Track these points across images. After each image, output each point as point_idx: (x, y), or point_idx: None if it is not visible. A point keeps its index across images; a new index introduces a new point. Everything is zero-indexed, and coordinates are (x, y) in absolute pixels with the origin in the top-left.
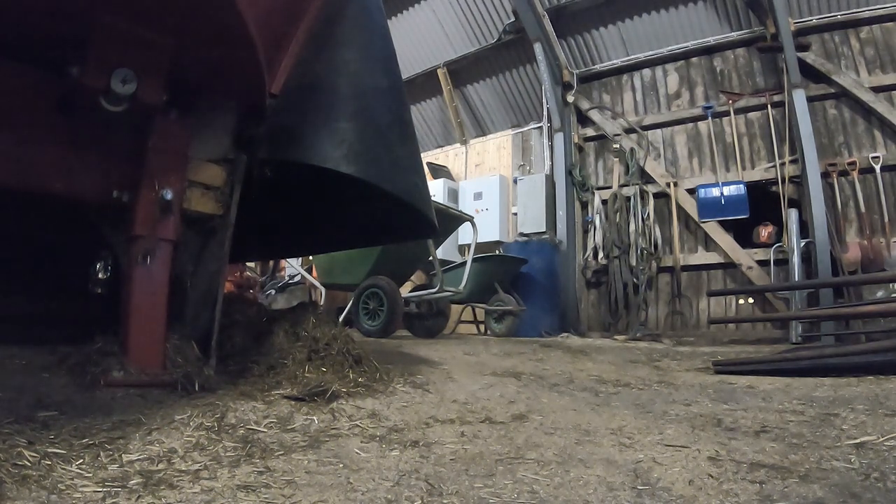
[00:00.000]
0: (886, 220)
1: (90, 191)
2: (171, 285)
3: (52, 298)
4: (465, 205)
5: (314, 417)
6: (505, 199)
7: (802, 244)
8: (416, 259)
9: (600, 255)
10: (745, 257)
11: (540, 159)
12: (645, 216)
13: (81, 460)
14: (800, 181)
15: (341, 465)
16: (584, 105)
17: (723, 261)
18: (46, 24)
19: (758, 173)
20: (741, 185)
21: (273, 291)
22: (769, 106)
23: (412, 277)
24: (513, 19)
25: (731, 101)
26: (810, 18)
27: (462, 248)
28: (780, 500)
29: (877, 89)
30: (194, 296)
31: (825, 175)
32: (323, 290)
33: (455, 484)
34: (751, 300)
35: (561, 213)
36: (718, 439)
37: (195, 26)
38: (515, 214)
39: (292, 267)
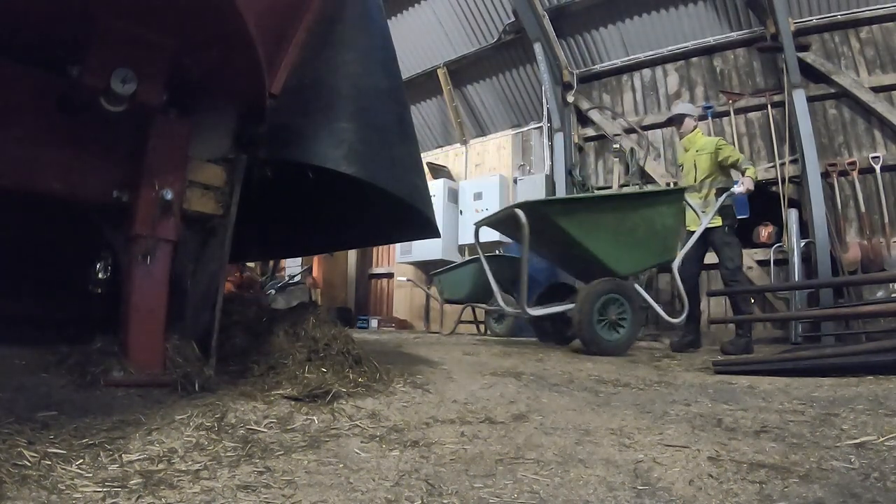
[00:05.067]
0: (886, 220)
1: (90, 191)
2: (171, 285)
3: (52, 298)
4: (465, 205)
5: (314, 417)
6: (505, 199)
7: (802, 244)
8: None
9: None
10: (745, 257)
11: (540, 159)
12: None
13: (81, 460)
14: (800, 181)
15: (341, 465)
16: (584, 105)
17: None
18: (47, 25)
19: (758, 173)
20: None
21: (273, 291)
22: (769, 106)
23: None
24: (513, 19)
25: (731, 101)
26: (810, 18)
27: (462, 248)
28: (780, 500)
29: (877, 89)
30: (194, 296)
31: (825, 175)
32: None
33: (455, 484)
34: (751, 300)
35: None
36: (718, 439)
37: (195, 26)
38: None
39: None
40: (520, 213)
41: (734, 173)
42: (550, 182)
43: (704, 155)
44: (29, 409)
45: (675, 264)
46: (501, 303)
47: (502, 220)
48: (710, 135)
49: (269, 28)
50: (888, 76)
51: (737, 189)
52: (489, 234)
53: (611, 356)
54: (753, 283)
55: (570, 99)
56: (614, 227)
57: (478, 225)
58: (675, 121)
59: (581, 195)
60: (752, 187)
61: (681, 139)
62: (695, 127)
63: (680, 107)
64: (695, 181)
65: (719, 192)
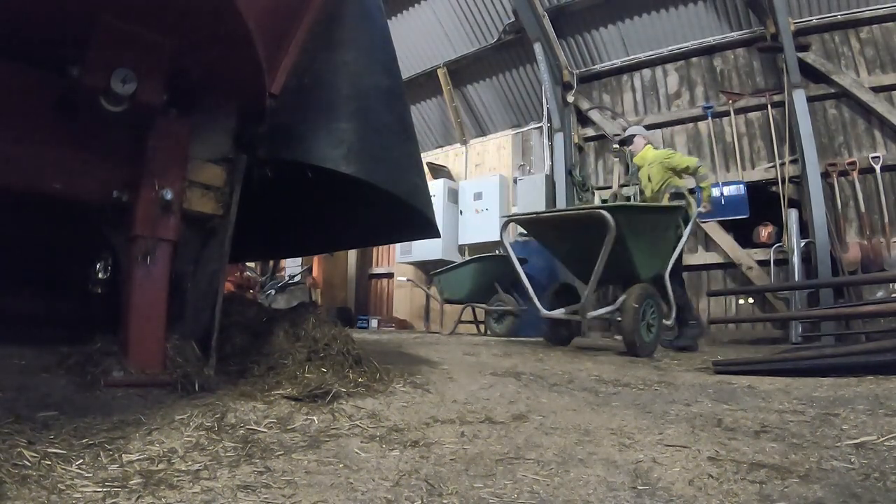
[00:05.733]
0: (886, 220)
1: (90, 191)
2: (171, 285)
3: (52, 298)
4: (465, 205)
5: (314, 417)
6: (505, 199)
7: (802, 244)
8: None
9: None
10: (745, 257)
11: (540, 159)
12: None
13: (81, 460)
14: (800, 181)
15: (341, 465)
16: (584, 105)
17: (723, 261)
18: (46, 24)
19: (758, 173)
20: (741, 186)
21: (273, 291)
22: (769, 106)
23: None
24: (513, 19)
25: (731, 101)
26: (810, 18)
27: (462, 248)
28: (780, 500)
29: (877, 89)
30: (194, 296)
31: (825, 175)
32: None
33: (455, 484)
34: (751, 300)
35: None
36: (718, 439)
37: (195, 26)
38: None
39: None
40: (607, 215)
41: (689, 178)
42: (550, 182)
43: (655, 166)
44: (29, 409)
45: (668, 271)
46: (538, 305)
47: (567, 220)
48: (710, 134)
49: (269, 28)
50: (888, 76)
51: (701, 209)
52: (491, 234)
53: (646, 357)
54: (753, 283)
55: (570, 99)
56: (649, 235)
57: (509, 219)
58: (627, 142)
59: (640, 204)
60: (710, 207)
61: (632, 158)
62: (645, 144)
63: (630, 129)
64: (651, 192)
65: (673, 197)
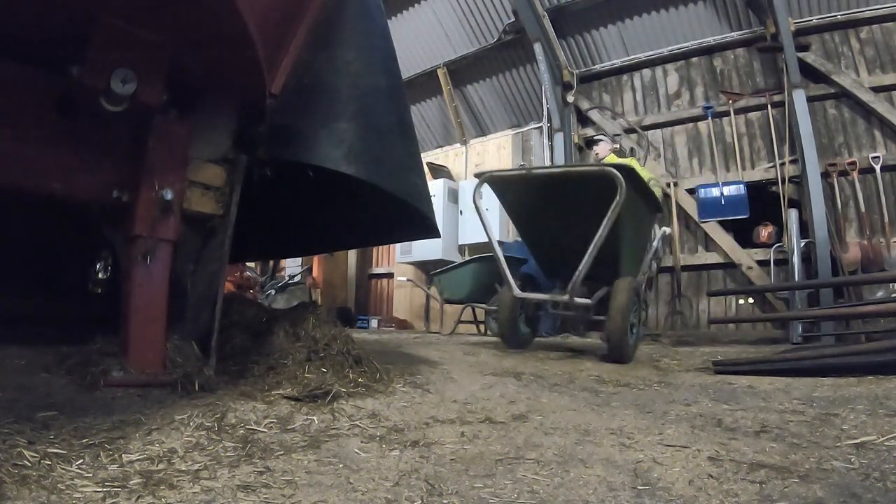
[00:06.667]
0: (886, 220)
1: (90, 191)
2: (171, 285)
3: (52, 298)
4: (465, 205)
5: (314, 417)
6: None
7: (802, 244)
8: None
9: None
10: (745, 257)
11: (540, 159)
12: None
13: (81, 460)
14: (800, 181)
15: (341, 465)
16: (584, 105)
17: (723, 261)
18: (46, 24)
19: (758, 173)
20: (741, 185)
21: (273, 291)
22: (769, 106)
23: None
24: (513, 19)
25: (731, 101)
26: (810, 18)
27: (462, 248)
28: (780, 500)
29: (877, 89)
30: (194, 296)
31: (825, 175)
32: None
33: (455, 484)
34: (751, 300)
35: None
36: (718, 439)
37: (195, 26)
38: None
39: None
40: (618, 174)
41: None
42: None
43: None
44: (29, 409)
45: (637, 277)
46: (512, 283)
47: (564, 180)
48: (710, 134)
49: (269, 28)
50: (888, 76)
51: (667, 230)
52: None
53: (627, 362)
54: (753, 283)
55: (570, 99)
56: (636, 224)
57: (484, 177)
58: (593, 143)
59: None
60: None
61: (597, 161)
62: (610, 150)
63: (598, 135)
64: None
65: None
